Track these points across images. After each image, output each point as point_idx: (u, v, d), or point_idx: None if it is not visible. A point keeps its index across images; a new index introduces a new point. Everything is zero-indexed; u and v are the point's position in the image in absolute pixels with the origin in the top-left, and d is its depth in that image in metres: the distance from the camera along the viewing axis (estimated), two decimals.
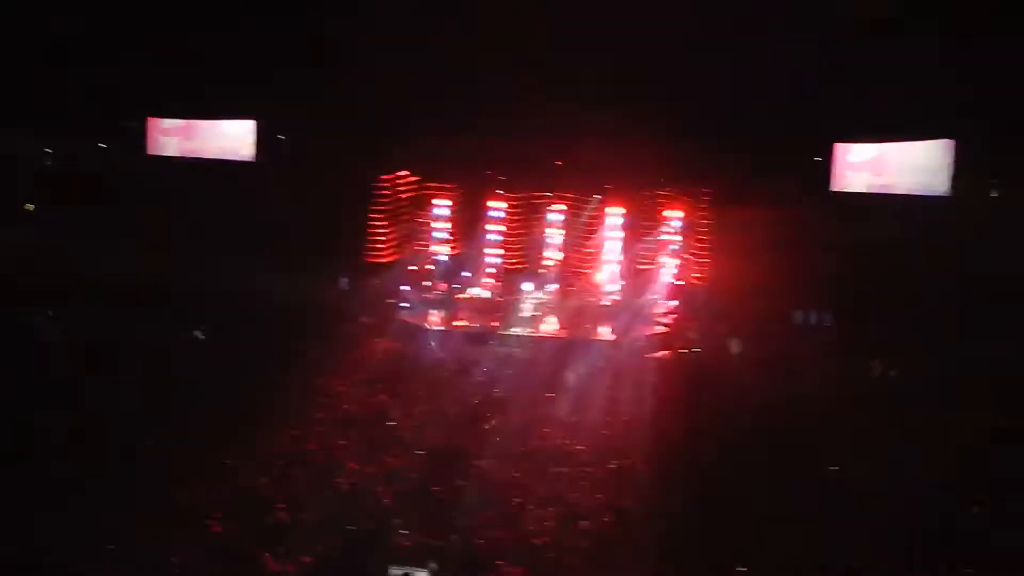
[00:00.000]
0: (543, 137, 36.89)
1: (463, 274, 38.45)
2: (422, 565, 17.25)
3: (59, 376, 26.21)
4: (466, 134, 37.36)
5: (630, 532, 19.29)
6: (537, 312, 37.09)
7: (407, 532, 18.48)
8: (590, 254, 39.39)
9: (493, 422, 25.91)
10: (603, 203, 38.80)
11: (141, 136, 42.37)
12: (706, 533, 18.98)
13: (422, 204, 40.32)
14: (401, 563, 17.27)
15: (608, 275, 38.64)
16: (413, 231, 40.76)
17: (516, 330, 36.22)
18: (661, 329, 36.51)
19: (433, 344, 34.63)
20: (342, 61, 36.44)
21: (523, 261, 39.67)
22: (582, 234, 39.73)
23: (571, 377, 31.25)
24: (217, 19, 35.79)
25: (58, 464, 20.19)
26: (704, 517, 19.67)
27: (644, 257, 39.08)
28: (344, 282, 39.01)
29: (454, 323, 36.66)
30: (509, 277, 38.96)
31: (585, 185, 39.40)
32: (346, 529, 18.39)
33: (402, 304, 38.14)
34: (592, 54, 34.62)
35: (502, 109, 36.27)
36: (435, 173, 40.02)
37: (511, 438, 24.41)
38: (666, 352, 34.95)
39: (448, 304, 37.37)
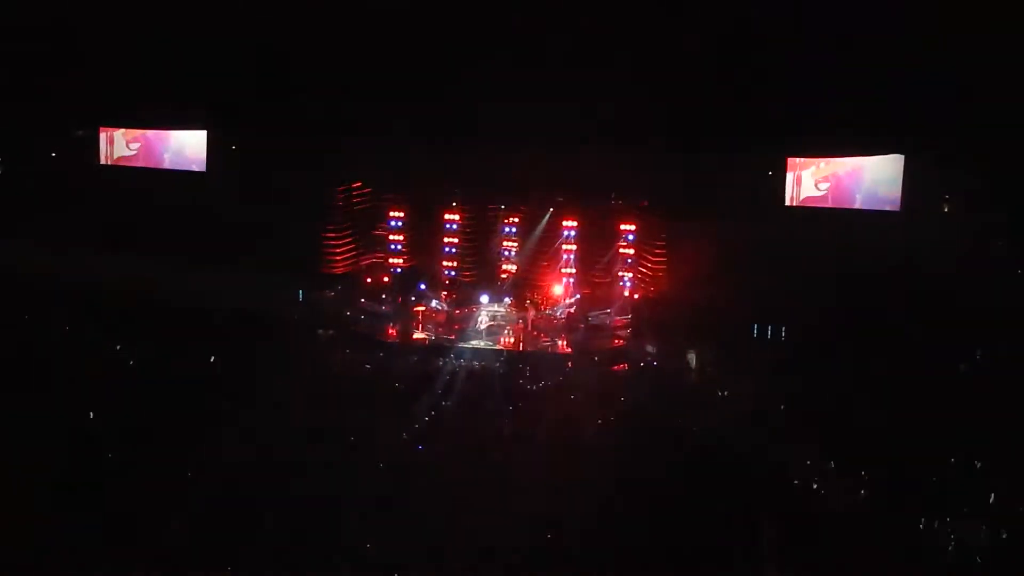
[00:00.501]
0: (498, 150, 36.99)
1: (420, 287, 38.34)
2: None
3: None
4: (421, 146, 37.47)
5: (596, 544, 19.27)
6: (494, 324, 37.15)
7: (373, 545, 18.40)
8: (545, 267, 39.51)
9: (454, 435, 25.77)
10: (557, 216, 38.98)
11: (93, 145, 42.06)
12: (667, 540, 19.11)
13: (378, 216, 40.34)
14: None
15: (563, 288, 38.77)
16: (369, 243, 40.79)
17: (473, 343, 36.14)
18: (617, 341, 36.66)
19: (391, 356, 34.29)
20: (295, 71, 36.40)
21: (479, 274, 39.73)
22: (537, 247, 39.88)
23: (529, 390, 31.21)
24: (171, 30, 35.54)
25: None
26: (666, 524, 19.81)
27: (599, 270, 39.30)
28: (300, 294, 38.79)
29: (412, 336, 36.53)
30: (466, 290, 39.03)
31: (538, 198, 39.57)
32: (313, 542, 18.28)
33: (358, 316, 38.04)
34: (548, 67, 34.82)
35: (457, 120, 36.40)
36: (389, 184, 40.07)
37: (473, 451, 24.27)
38: (623, 364, 35.16)
39: (405, 317, 37.27)
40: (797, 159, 37.04)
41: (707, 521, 19.86)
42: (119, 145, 42.18)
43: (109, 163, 42.27)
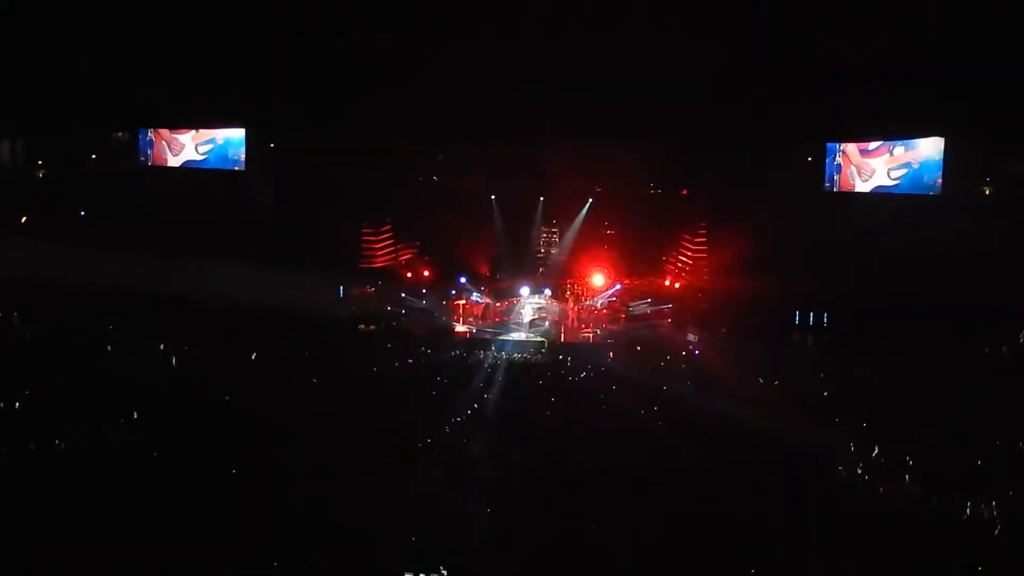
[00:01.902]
0: (535, 139, 37.00)
1: (460, 280, 38.53)
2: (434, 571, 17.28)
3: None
4: (460, 138, 37.60)
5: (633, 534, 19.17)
6: (536, 317, 37.26)
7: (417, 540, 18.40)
8: (585, 257, 39.56)
9: (499, 431, 25.71)
10: (595, 206, 39.09)
11: (133, 146, 42.41)
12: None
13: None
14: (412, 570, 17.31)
15: (603, 278, 38.79)
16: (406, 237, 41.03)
17: (515, 335, 36.32)
18: (659, 332, 36.56)
19: (434, 351, 34.27)
20: (333, 70, 36.43)
21: (519, 266, 39.76)
22: (576, 238, 39.96)
23: (570, 381, 31.14)
24: (213, 32, 35.63)
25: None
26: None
27: (639, 260, 39.31)
28: (339, 289, 39.01)
29: (454, 329, 36.72)
30: (506, 282, 39.15)
31: (577, 188, 39.61)
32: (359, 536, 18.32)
33: (399, 311, 38.12)
34: (585, 55, 34.69)
35: (495, 113, 36.38)
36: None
37: (518, 448, 24.20)
38: (665, 354, 35.04)
39: (446, 310, 37.45)
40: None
41: (749, 510, 19.77)
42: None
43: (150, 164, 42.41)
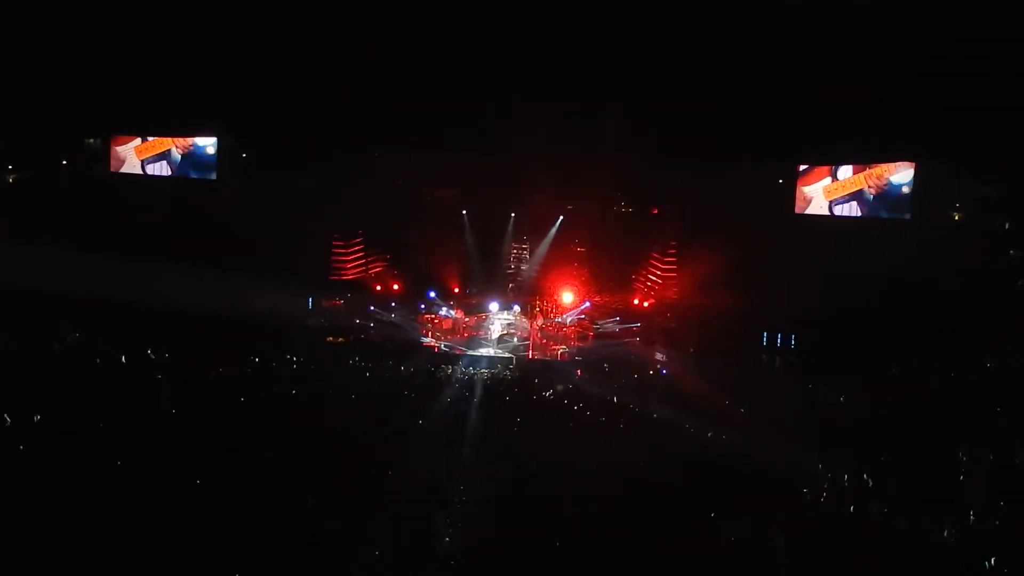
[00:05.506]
0: (507, 156, 37.00)
1: (430, 294, 38.36)
2: None
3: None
4: (432, 151, 37.53)
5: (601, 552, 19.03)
6: (505, 333, 37.12)
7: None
8: (555, 274, 39.49)
9: (469, 445, 25.51)
10: (566, 223, 39.09)
11: (104, 153, 42.07)
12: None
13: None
14: None
15: (573, 296, 38.73)
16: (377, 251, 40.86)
17: (483, 351, 36.15)
18: (627, 350, 36.48)
19: (402, 365, 33.96)
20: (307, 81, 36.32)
21: (489, 281, 39.63)
22: (546, 255, 39.91)
23: (535, 400, 30.94)
24: (186, 39, 35.47)
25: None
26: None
27: (609, 278, 39.29)
28: (308, 300, 38.77)
29: (422, 343, 36.54)
30: (476, 297, 39.01)
31: (549, 205, 39.61)
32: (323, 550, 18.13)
33: (368, 324, 37.89)
34: (559, 78, 34.73)
35: (468, 128, 36.35)
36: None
37: (489, 464, 24.00)
38: (632, 374, 34.96)
39: (415, 324, 37.26)
40: (803, 175, 36.91)
41: (715, 529, 19.67)
42: (130, 166, 42.11)
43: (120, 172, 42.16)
